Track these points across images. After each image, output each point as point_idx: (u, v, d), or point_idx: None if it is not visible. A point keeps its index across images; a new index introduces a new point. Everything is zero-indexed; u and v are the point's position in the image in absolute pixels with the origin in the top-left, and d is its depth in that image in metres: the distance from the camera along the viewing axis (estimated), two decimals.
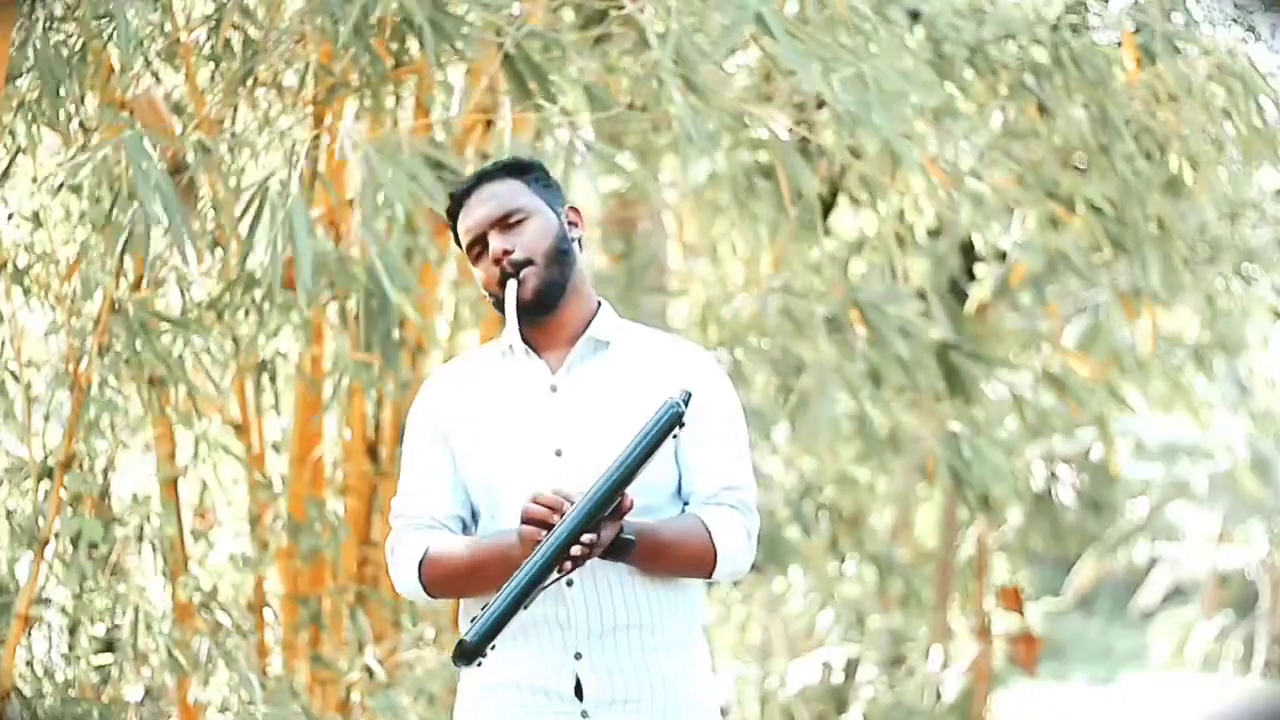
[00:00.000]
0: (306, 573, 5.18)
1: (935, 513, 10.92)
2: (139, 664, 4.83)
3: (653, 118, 5.05)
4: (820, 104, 4.76)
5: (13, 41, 4.08)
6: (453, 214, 3.05)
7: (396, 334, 4.90)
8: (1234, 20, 5.38)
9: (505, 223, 2.97)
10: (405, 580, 2.98)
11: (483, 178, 3.03)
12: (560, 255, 2.98)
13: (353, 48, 4.23)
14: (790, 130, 4.99)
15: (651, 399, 2.82)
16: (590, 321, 3.01)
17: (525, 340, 2.99)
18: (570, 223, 3.04)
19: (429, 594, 2.97)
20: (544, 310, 2.96)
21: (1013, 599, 12.63)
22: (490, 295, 2.99)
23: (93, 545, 4.61)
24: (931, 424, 7.37)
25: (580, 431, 2.92)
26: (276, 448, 5.33)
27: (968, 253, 8.74)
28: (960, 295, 8.97)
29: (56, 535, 4.52)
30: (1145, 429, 15.12)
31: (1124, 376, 9.24)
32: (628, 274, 6.70)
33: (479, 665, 2.77)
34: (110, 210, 4.22)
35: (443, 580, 2.94)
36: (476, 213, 2.99)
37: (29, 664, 4.61)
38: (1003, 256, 8.61)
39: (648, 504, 2.88)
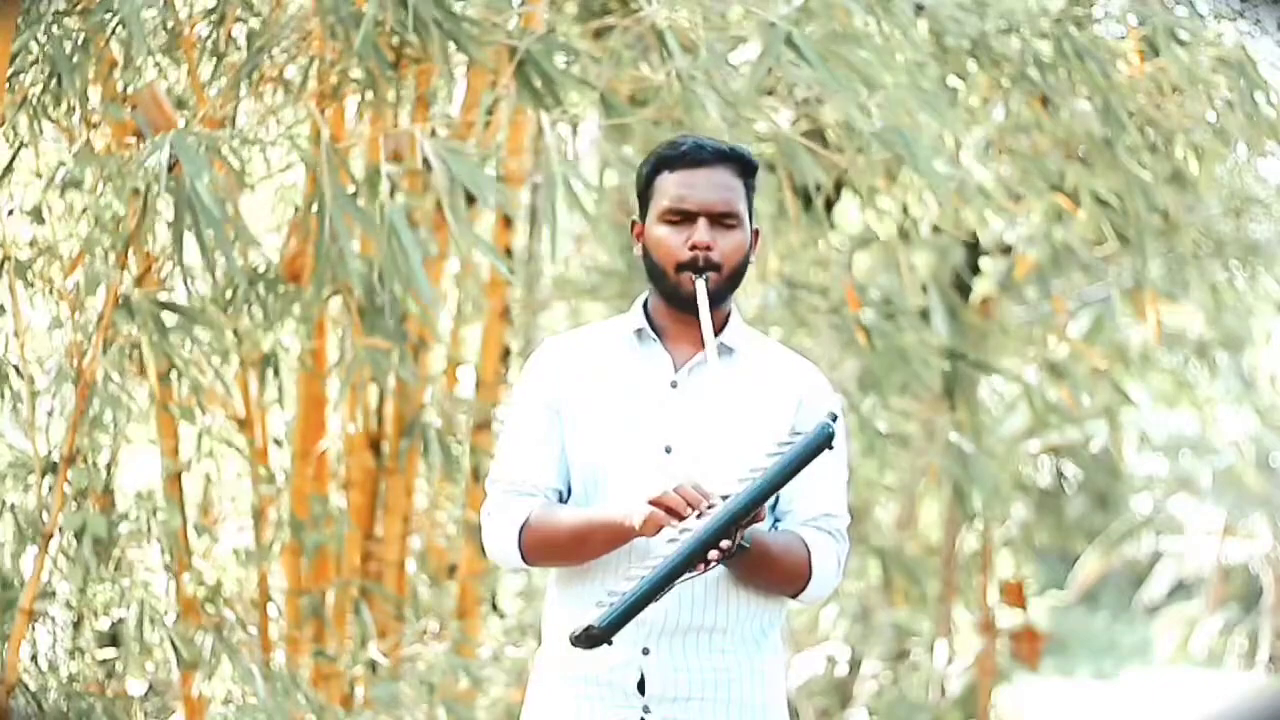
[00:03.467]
0: (310, 567, 5.18)
1: (939, 507, 10.92)
2: (143, 658, 4.83)
3: (655, 113, 5.04)
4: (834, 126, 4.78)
5: (17, 36, 4.08)
6: (666, 160, 2.99)
7: (401, 327, 4.90)
8: (1239, 14, 5.37)
9: (721, 219, 2.94)
10: (503, 544, 2.95)
11: (719, 156, 2.97)
12: (740, 273, 2.98)
13: (360, 46, 4.23)
14: (794, 124, 4.99)
15: (767, 410, 2.89)
16: (723, 326, 3.00)
17: (655, 328, 3.00)
18: (753, 246, 3.02)
19: (526, 560, 2.95)
20: (694, 311, 2.93)
21: (1015, 594, 12.62)
22: (646, 256, 2.97)
23: (97, 540, 4.61)
24: (933, 426, 7.37)
25: (692, 431, 2.92)
26: (279, 442, 5.33)
27: (972, 247, 8.73)
28: (964, 289, 8.97)
29: (60, 530, 4.52)
30: (1149, 423, 15.11)
31: (1128, 371, 9.25)
32: (630, 268, 6.69)
33: (604, 648, 2.76)
34: (145, 208, 4.22)
35: (545, 546, 2.92)
36: (703, 191, 2.94)
37: (33, 658, 4.61)
38: (1007, 250, 8.60)
39: None
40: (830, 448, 2.77)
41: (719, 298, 2.96)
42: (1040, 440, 10.53)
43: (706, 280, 2.92)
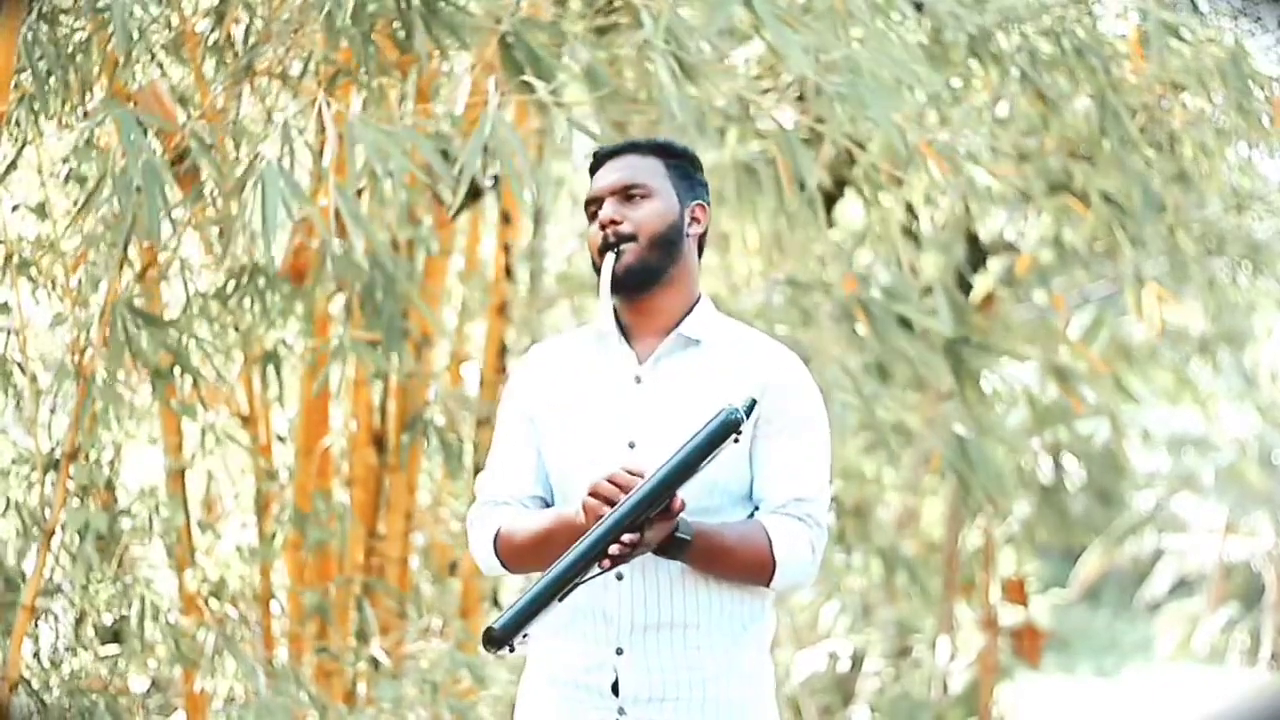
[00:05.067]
0: (313, 564, 5.18)
1: (942, 505, 10.92)
2: (145, 655, 4.83)
3: (656, 109, 5.03)
4: (819, 93, 4.74)
5: (20, 34, 4.08)
6: (592, 171, 3.08)
7: (400, 323, 4.89)
8: (1240, 12, 5.37)
9: (625, 193, 2.99)
10: (482, 555, 3.00)
11: (630, 148, 3.06)
12: (666, 243, 2.97)
13: (351, 37, 4.21)
14: (796, 121, 4.98)
15: (730, 399, 2.82)
16: (684, 316, 2.99)
17: (619, 324, 3.00)
18: (692, 218, 3.03)
19: (507, 568, 2.98)
20: (631, 290, 2.95)
21: (1017, 591, 12.64)
22: (592, 261, 3.01)
23: (99, 537, 4.61)
24: (936, 419, 7.37)
25: (656, 425, 2.91)
26: (283, 439, 5.33)
27: (973, 244, 8.73)
28: (966, 287, 8.97)
29: (63, 526, 4.52)
30: (1151, 420, 15.11)
31: (1130, 368, 9.25)
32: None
33: (510, 652, 2.75)
34: (97, 188, 4.20)
35: (517, 553, 2.95)
36: (606, 177, 3.01)
37: (35, 655, 4.61)
38: (1009, 247, 8.60)
39: (708, 505, 2.88)
40: (738, 433, 2.72)
41: (649, 271, 2.96)
42: (1042, 437, 10.54)
43: (619, 254, 2.94)
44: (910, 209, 6.57)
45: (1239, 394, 14.37)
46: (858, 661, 10.98)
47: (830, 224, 7.54)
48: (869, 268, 7.82)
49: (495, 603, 6.05)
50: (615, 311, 3.01)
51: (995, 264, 8.86)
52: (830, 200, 7.57)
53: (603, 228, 2.97)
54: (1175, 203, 5.98)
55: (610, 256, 2.94)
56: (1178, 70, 5.24)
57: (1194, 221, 6.48)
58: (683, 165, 3.05)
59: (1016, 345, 8.79)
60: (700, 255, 3.07)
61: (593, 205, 3.01)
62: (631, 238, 2.95)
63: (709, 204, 3.07)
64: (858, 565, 10.33)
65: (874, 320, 6.22)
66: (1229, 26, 5.28)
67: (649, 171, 3.01)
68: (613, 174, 3.01)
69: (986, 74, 5.48)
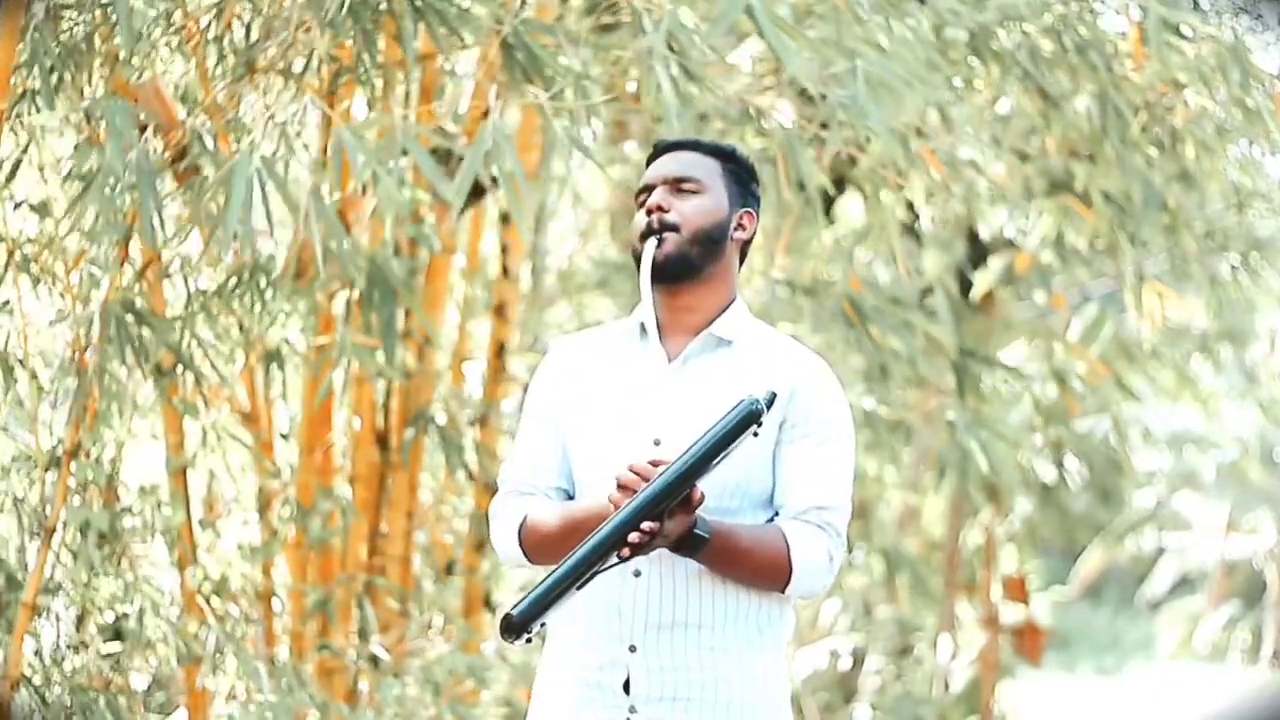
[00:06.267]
0: (315, 562, 5.18)
1: (943, 503, 10.92)
2: (147, 653, 4.83)
3: (654, 109, 5.03)
4: (824, 98, 4.74)
5: (22, 32, 4.08)
6: (649, 161, 3.10)
7: (400, 323, 4.89)
8: (1241, 8, 5.37)
9: (677, 185, 3.00)
10: (505, 545, 2.99)
11: (692, 144, 3.08)
12: (708, 239, 2.98)
13: (352, 34, 4.21)
14: (796, 120, 4.98)
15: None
16: (716, 316, 3.00)
17: (659, 321, 3.00)
18: (739, 224, 3.04)
19: (529, 559, 2.97)
20: (668, 280, 2.96)
21: (1018, 589, 12.63)
22: (632, 248, 3.02)
23: (101, 534, 4.61)
24: (935, 417, 7.36)
25: (681, 423, 2.90)
26: (285, 436, 5.33)
27: (974, 242, 8.73)
28: (967, 285, 8.97)
29: (64, 524, 4.52)
30: (1152, 418, 15.11)
31: (1131, 366, 9.24)
32: (636, 262, 6.72)
33: (527, 641, 2.73)
34: (90, 183, 4.19)
35: (541, 544, 2.94)
36: (662, 167, 3.03)
37: (37, 653, 4.61)
38: (1010, 245, 8.60)
39: (728, 507, 2.88)
40: (759, 424, 2.72)
41: (688, 263, 2.96)
42: (1046, 434, 10.54)
43: (660, 241, 2.94)
44: (910, 207, 6.56)
45: (1240, 392, 14.37)
46: (859, 659, 10.98)
47: (830, 221, 7.54)
48: (869, 265, 7.82)
49: (486, 603, 6.04)
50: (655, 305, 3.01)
51: (996, 262, 8.85)
52: (829, 198, 7.57)
53: (648, 213, 2.97)
54: (1176, 201, 5.98)
55: (651, 242, 2.95)
56: (1179, 67, 5.24)
57: (1195, 219, 6.48)
58: (740, 172, 3.07)
59: (1016, 341, 8.79)
60: (741, 263, 3.07)
61: (643, 193, 3.02)
62: (675, 228, 2.96)
63: (758, 215, 3.08)
64: (859, 563, 10.33)
65: (869, 325, 6.21)
66: (1229, 23, 5.28)
67: (705, 169, 3.02)
68: (668, 165, 3.02)
69: (988, 72, 5.48)
